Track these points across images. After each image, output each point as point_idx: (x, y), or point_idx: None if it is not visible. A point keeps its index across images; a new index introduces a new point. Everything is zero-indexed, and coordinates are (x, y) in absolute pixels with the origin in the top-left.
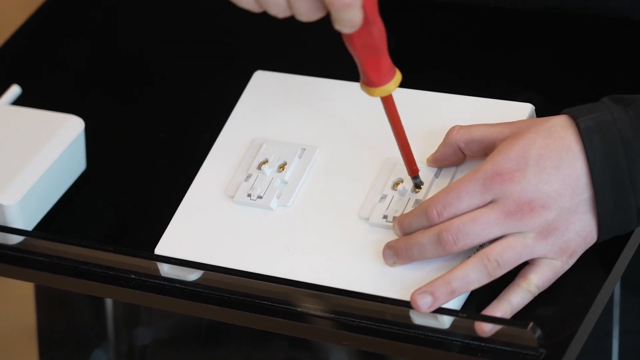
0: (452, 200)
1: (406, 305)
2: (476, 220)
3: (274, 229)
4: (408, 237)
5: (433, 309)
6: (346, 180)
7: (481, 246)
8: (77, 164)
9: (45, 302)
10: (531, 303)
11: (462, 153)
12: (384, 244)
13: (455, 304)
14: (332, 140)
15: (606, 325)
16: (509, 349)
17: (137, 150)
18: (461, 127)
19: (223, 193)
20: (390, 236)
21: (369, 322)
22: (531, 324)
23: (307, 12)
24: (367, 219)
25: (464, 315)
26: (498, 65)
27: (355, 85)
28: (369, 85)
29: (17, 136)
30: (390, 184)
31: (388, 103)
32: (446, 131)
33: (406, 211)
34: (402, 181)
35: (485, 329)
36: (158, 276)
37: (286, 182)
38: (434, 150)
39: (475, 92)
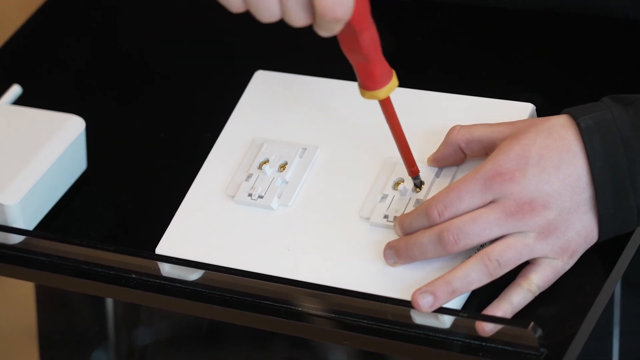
0: (453, 200)
1: (407, 305)
2: (477, 220)
3: (275, 228)
4: (409, 237)
5: (434, 308)
6: (347, 180)
7: (482, 246)
8: (78, 164)
9: (45, 302)
10: (532, 303)
11: (463, 153)
12: (385, 244)
13: (456, 303)
14: (333, 140)
15: (607, 325)
16: (510, 348)
17: (138, 150)
18: (462, 126)
19: (224, 193)
20: (391, 236)
21: (370, 322)
22: (532, 323)
23: (300, 19)
24: (368, 218)
25: (465, 314)
26: (498, 65)
27: (356, 85)
28: (363, 88)
29: (17, 136)
30: (391, 183)
31: (386, 106)
32: (447, 131)
33: (407, 211)
34: (402, 181)
35: (486, 328)
36: (159, 276)
37: (287, 182)
38: (434, 150)
39: (475, 92)
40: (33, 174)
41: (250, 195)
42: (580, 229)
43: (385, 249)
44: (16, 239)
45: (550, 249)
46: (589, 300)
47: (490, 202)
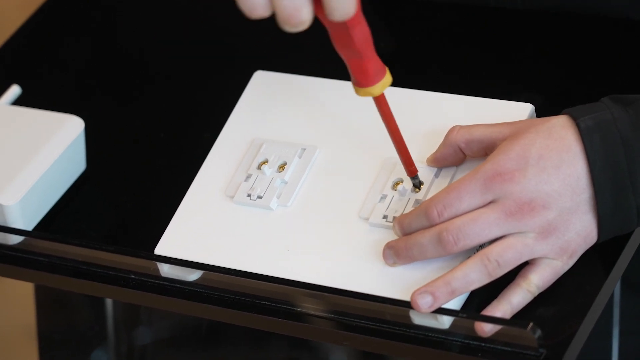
0: (453, 200)
1: (406, 305)
2: (476, 220)
3: (274, 229)
4: (408, 237)
5: (433, 309)
6: (346, 180)
7: (481, 246)
8: (77, 164)
9: (45, 302)
10: (531, 303)
11: (462, 153)
12: (384, 244)
13: (456, 304)
14: (332, 140)
15: (606, 325)
16: (509, 349)
17: (137, 150)
18: (461, 127)
19: (223, 193)
20: (391, 236)
21: (369, 322)
22: (531, 324)
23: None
24: (367, 219)
25: (464, 315)
26: (498, 65)
27: None
28: (357, 85)
29: (17, 136)
30: (390, 184)
31: (381, 103)
32: (446, 131)
33: (406, 211)
34: (402, 181)
35: (486, 329)
36: (158, 276)
37: (286, 182)
38: (434, 150)
39: (475, 92)
40: (32, 174)
41: (249, 195)
42: (580, 229)
43: (384, 249)
44: (15, 239)
45: (549, 249)
46: (589, 301)
47: (490, 203)
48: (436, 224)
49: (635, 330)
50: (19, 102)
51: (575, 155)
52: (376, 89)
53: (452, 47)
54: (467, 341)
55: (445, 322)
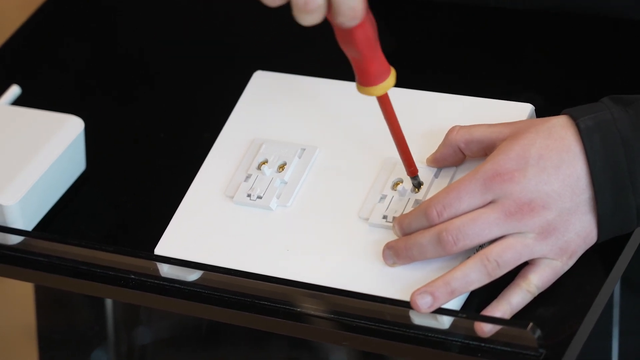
0: (452, 201)
1: (406, 305)
2: (476, 221)
3: (274, 229)
4: (408, 238)
5: (433, 309)
6: (346, 180)
7: (481, 246)
8: (77, 164)
9: (45, 302)
10: (531, 303)
11: (462, 153)
12: (384, 244)
13: (455, 304)
14: (332, 140)
15: (606, 326)
16: (509, 349)
17: (137, 150)
18: (461, 127)
19: (223, 193)
20: (390, 236)
21: (369, 322)
22: (531, 324)
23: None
24: (367, 219)
25: (464, 315)
26: (498, 65)
27: (355, 86)
28: (361, 84)
29: (17, 136)
30: (390, 184)
31: (384, 103)
32: (446, 131)
33: (406, 211)
34: (402, 181)
35: (485, 329)
36: (158, 276)
37: (286, 182)
38: (433, 151)
39: (475, 92)
40: (32, 175)
41: (249, 195)
42: (579, 230)
43: (384, 250)
44: (15, 239)
45: (549, 250)
46: (589, 301)
47: (490, 203)
48: (436, 224)
49: (635, 330)
50: (19, 102)
51: (575, 156)
52: (376, 90)
53: (452, 47)
54: (466, 341)
55: (445, 322)
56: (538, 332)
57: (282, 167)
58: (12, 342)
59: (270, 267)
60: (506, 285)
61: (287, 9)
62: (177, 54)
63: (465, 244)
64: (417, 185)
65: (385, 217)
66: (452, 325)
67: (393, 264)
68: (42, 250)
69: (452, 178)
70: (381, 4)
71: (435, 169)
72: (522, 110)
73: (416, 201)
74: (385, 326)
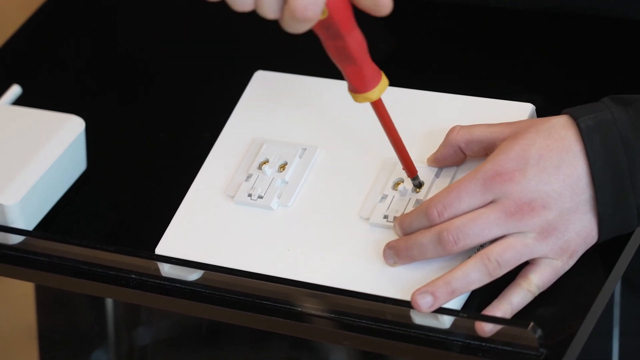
0: (453, 201)
1: (407, 305)
2: (476, 221)
3: (275, 229)
4: (408, 237)
5: (433, 308)
6: (347, 180)
7: (481, 246)
8: (78, 164)
9: (45, 302)
10: (531, 303)
11: (463, 153)
12: (385, 244)
13: (456, 303)
14: (333, 140)
15: (606, 326)
16: (510, 349)
17: (137, 150)
18: (461, 127)
19: (223, 193)
20: (391, 236)
21: (370, 322)
22: (532, 323)
23: (269, 10)
24: (368, 219)
25: (465, 315)
26: (498, 65)
27: None
28: (354, 92)
29: (17, 136)
30: (390, 183)
31: (378, 107)
32: (446, 131)
33: (407, 211)
34: (402, 181)
35: (486, 328)
36: (158, 276)
37: (287, 182)
38: (434, 150)
39: (475, 92)
40: (33, 174)
41: (250, 195)
42: (580, 229)
43: (384, 249)
44: (16, 239)
45: (549, 249)
46: (589, 301)
47: (490, 203)
48: (436, 224)
49: (635, 331)
50: (19, 102)
51: (575, 155)
52: (374, 94)
53: (452, 47)
54: (467, 341)
55: (446, 322)
56: (539, 332)
57: (282, 167)
58: (12, 342)
59: (271, 267)
60: (507, 285)
61: None
62: (177, 54)
63: (465, 243)
64: (418, 185)
65: (386, 216)
66: (453, 324)
67: (394, 264)
68: (42, 250)
69: (452, 178)
70: None
71: (436, 169)
72: (522, 110)
73: (417, 201)
74: (386, 326)
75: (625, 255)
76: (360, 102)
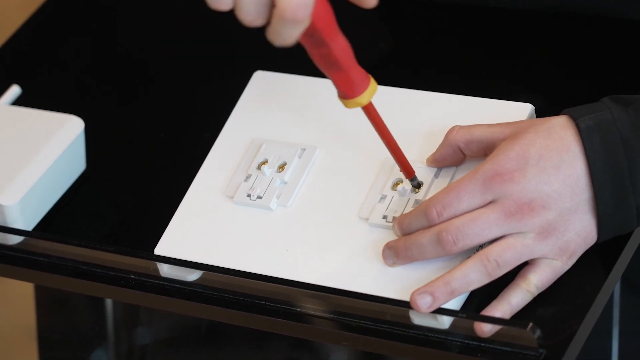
0: (452, 201)
1: (406, 305)
2: (476, 221)
3: (274, 229)
4: (408, 237)
5: (433, 309)
6: (346, 180)
7: (481, 246)
8: (77, 164)
9: (45, 302)
10: (531, 303)
11: (462, 153)
12: (384, 244)
13: (455, 304)
14: (332, 140)
15: (606, 326)
16: (509, 349)
17: (137, 150)
18: (461, 127)
19: (223, 193)
20: (390, 236)
21: (369, 322)
22: (531, 324)
23: (251, 15)
24: (367, 219)
25: (464, 315)
26: (498, 65)
27: None
28: (345, 98)
29: (17, 136)
30: (390, 184)
31: (369, 112)
32: (446, 131)
33: (406, 211)
34: (401, 181)
35: (485, 329)
36: (158, 276)
37: (286, 183)
38: (433, 151)
39: (475, 92)
40: (32, 175)
41: (249, 195)
42: (579, 230)
43: (384, 249)
44: (16, 239)
45: (549, 250)
46: (589, 301)
47: (490, 203)
48: (436, 224)
49: (635, 331)
50: (19, 102)
51: (575, 156)
52: (364, 98)
53: (452, 47)
54: (466, 341)
55: (445, 322)
56: (538, 332)
57: (282, 167)
58: (12, 342)
59: (270, 267)
60: (506, 285)
61: None
62: (177, 54)
63: (465, 244)
64: (417, 185)
65: (385, 217)
66: (452, 325)
67: (393, 264)
68: (42, 250)
69: (452, 178)
70: (381, 4)
71: (435, 169)
72: (522, 110)
73: (416, 201)
74: (385, 326)
75: (625, 256)
76: (350, 107)
